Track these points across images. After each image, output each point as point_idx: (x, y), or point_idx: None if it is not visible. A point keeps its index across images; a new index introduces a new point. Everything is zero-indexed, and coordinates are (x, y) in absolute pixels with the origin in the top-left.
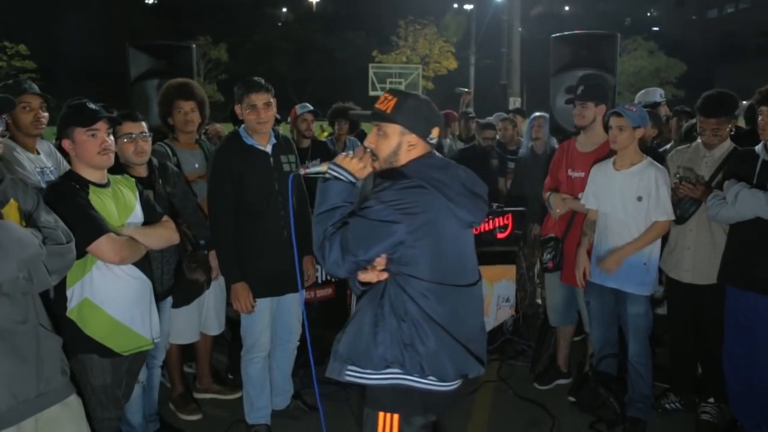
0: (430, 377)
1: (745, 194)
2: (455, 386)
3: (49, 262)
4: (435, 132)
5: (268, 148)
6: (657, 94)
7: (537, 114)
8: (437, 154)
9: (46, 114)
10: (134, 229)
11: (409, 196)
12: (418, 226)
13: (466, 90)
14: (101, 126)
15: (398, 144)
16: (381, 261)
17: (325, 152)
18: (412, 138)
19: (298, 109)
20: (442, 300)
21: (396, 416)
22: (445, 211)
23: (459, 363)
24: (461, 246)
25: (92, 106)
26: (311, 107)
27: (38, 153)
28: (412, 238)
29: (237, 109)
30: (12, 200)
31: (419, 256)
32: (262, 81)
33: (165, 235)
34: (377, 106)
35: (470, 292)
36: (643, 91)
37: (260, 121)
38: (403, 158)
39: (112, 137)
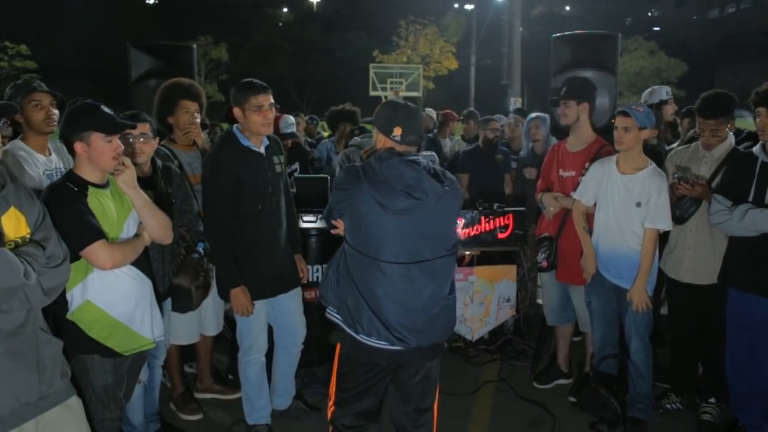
0: (342, 319)
1: (753, 213)
2: (373, 343)
3: (45, 281)
4: (396, 131)
5: (262, 149)
6: (663, 91)
7: (533, 115)
8: (412, 149)
9: (57, 111)
10: (145, 202)
11: (344, 174)
12: (342, 198)
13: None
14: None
15: (375, 138)
16: (340, 223)
17: (302, 154)
18: (380, 135)
19: (283, 126)
20: (358, 264)
21: (338, 345)
22: (364, 192)
23: (361, 319)
24: (383, 226)
25: (107, 110)
26: (294, 131)
27: (50, 153)
28: (339, 207)
29: (236, 111)
30: (12, 208)
31: (346, 223)
32: (263, 83)
33: (166, 224)
34: None
35: (390, 268)
36: (648, 90)
37: (265, 123)
38: (378, 148)
39: (119, 141)
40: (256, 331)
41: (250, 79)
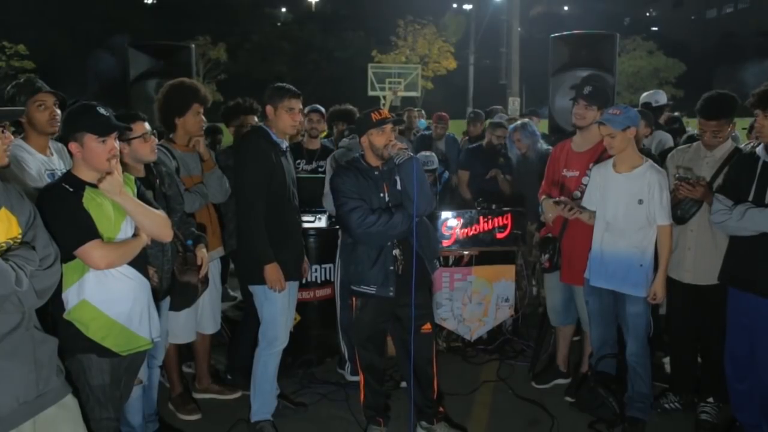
0: None
1: (753, 212)
2: None
3: (37, 283)
4: None
5: (284, 146)
6: (658, 96)
7: (513, 126)
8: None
9: (59, 111)
10: (139, 203)
11: None
12: None
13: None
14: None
15: None
16: None
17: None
18: None
19: (306, 108)
20: None
21: None
22: None
23: None
24: None
25: (103, 111)
26: (320, 108)
27: (51, 154)
28: None
29: (269, 108)
30: (4, 209)
31: None
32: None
33: (161, 222)
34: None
35: None
36: (651, 92)
37: (293, 124)
38: None
39: (117, 141)
40: (281, 322)
41: (285, 84)
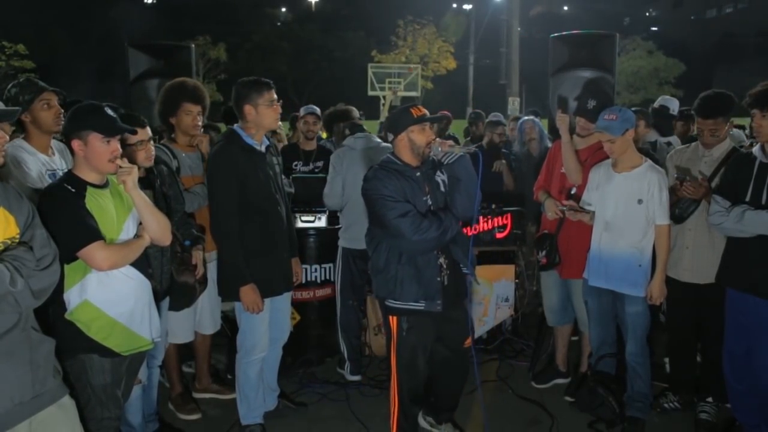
0: None
1: (750, 215)
2: None
3: (34, 283)
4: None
5: (263, 148)
6: (674, 105)
7: (526, 118)
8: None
9: (62, 110)
10: (147, 203)
11: None
12: None
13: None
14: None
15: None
16: None
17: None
18: None
19: (302, 110)
20: None
21: None
22: None
23: None
24: None
25: (111, 112)
26: (316, 109)
27: (53, 153)
28: None
29: (248, 108)
30: (1, 209)
31: None
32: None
33: (166, 225)
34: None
35: None
36: (668, 98)
37: (277, 117)
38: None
39: (119, 143)
40: (261, 332)
41: (256, 77)
